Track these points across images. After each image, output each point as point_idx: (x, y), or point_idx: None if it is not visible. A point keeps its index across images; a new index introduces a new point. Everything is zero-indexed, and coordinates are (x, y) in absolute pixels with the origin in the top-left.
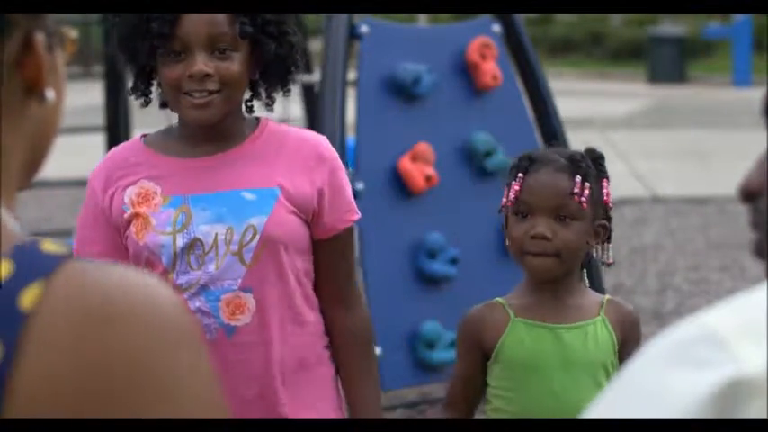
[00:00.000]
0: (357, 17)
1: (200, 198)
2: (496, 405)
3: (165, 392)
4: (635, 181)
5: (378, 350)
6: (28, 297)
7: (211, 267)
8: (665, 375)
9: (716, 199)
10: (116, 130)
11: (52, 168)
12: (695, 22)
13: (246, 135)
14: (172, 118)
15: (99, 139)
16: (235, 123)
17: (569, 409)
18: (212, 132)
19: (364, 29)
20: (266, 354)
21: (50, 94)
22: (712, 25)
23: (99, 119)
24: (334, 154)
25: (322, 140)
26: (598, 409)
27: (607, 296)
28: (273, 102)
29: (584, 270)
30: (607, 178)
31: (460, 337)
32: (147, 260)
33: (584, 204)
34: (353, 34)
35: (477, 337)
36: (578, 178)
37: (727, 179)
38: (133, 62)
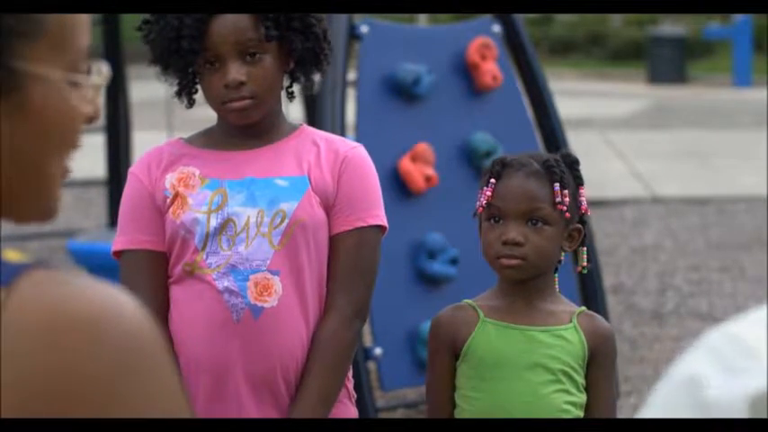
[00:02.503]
0: (357, 17)
1: (235, 182)
2: (461, 405)
3: (119, 406)
4: (635, 181)
5: (378, 350)
6: None
7: (241, 248)
8: (704, 381)
9: (716, 199)
10: (116, 130)
11: None
12: (695, 22)
13: (285, 134)
14: (172, 119)
15: (99, 139)
16: (273, 121)
17: (532, 410)
18: (252, 130)
19: (364, 29)
20: (290, 338)
21: None
22: (712, 25)
23: (99, 119)
24: (366, 162)
25: (357, 146)
26: (650, 411)
27: (583, 308)
28: (312, 84)
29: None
30: (583, 185)
31: (430, 340)
32: (182, 240)
33: (566, 212)
34: (353, 34)
35: (449, 338)
36: (557, 186)
37: (727, 179)
38: (171, 76)
